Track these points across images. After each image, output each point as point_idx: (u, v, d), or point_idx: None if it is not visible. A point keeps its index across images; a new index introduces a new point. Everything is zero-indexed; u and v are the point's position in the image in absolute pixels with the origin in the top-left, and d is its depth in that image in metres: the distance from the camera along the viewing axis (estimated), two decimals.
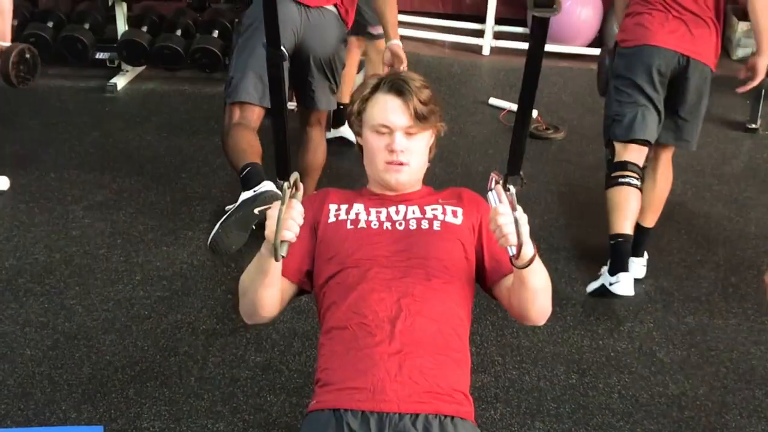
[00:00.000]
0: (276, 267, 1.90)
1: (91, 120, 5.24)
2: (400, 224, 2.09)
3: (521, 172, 1.89)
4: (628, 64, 3.57)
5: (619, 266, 3.51)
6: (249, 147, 3.41)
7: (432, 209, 2.13)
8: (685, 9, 3.47)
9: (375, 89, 2.20)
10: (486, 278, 2.10)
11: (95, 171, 4.56)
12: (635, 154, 3.58)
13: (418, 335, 1.92)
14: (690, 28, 3.49)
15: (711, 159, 5.10)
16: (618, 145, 3.59)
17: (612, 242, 3.55)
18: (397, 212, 2.12)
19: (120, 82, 5.75)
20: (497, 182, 1.86)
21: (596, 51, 4.96)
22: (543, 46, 1.75)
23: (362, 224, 2.09)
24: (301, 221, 1.83)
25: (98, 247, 3.85)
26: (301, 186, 1.85)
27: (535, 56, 1.76)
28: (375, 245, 2.04)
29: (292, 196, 1.81)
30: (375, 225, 2.08)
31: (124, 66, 5.88)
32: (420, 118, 2.14)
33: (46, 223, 4.03)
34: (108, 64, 5.91)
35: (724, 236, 4.23)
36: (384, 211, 2.12)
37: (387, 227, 2.08)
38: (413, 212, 2.11)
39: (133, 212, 4.16)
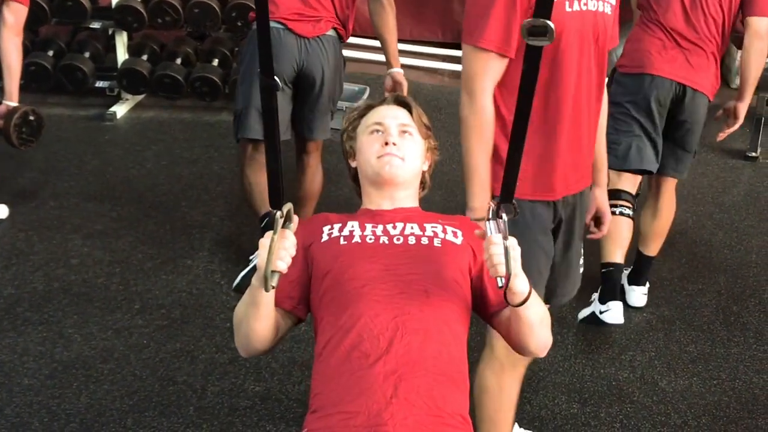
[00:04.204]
0: (268, 298, 1.83)
1: (90, 148, 5.24)
2: (398, 239, 2.02)
3: (514, 201, 1.85)
4: (625, 92, 3.54)
5: (610, 295, 3.56)
6: (264, 194, 3.48)
7: (432, 227, 2.06)
8: (685, 38, 3.47)
9: (372, 105, 2.23)
10: (487, 308, 2.02)
11: (94, 199, 4.56)
12: (628, 182, 3.61)
13: (414, 355, 1.82)
14: (688, 58, 3.48)
15: (711, 187, 5.10)
16: (612, 173, 3.52)
17: (603, 270, 3.61)
18: (395, 227, 2.05)
19: (120, 110, 5.76)
20: (494, 212, 1.81)
21: None
22: (536, 74, 1.73)
23: (356, 239, 2.01)
24: (293, 252, 1.77)
25: (97, 275, 3.84)
26: (294, 217, 1.80)
27: (529, 84, 1.74)
28: (370, 260, 1.96)
29: (284, 227, 1.77)
30: (370, 239, 2.01)
31: (124, 94, 5.89)
32: (417, 123, 2.17)
33: (44, 251, 4.02)
34: (108, 93, 5.91)
35: (725, 265, 4.22)
36: (380, 226, 2.05)
37: (383, 241, 2.01)
38: (412, 228, 2.04)
39: (132, 241, 4.15)
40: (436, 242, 2.01)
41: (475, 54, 2.20)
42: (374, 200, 2.15)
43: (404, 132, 2.14)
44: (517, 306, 1.81)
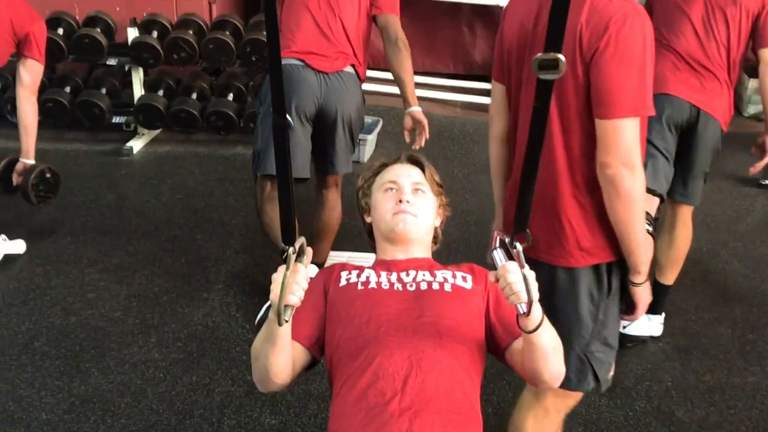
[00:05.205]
0: (284, 332, 1.88)
1: (107, 183, 5.29)
2: (411, 285, 2.09)
3: (527, 230, 1.88)
4: None
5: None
6: None
7: (442, 274, 2.13)
8: (699, 62, 3.47)
9: (387, 164, 2.32)
10: (497, 344, 2.07)
11: (111, 234, 4.59)
12: (646, 203, 3.55)
13: (429, 393, 1.87)
14: (702, 81, 3.48)
15: (725, 216, 5.10)
16: None
17: None
18: (408, 275, 2.12)
19: (136, 145, 5.81)
20: (502, 241, 1.86)
21: None
22: (548, 107, 1.75)
23: (372, 285, 2.09)
24: (305, 286, 1.81)
25: (114, 309, 3.86)
26: (308, 250, 1.84)
27: (540, 116, 1.76)
28: (385, 304, 2.03)
29: (297, 261, 1.81)
30: (385, 286, 2.08)
31: (140, 129, 5.95)
32: (430, 181, 2.25)
33: (62, 286, 4.05)
34: (124, 128, 5.98)
35: (740, 293, 4.21)
36: (394, 274, 2.13)
37: (397, 288, 2.08)
38: (423, 275, 2.12)
39: (148, 274, 4.18)
40: (447, 287, 2.08)
41: (635, 124, 2.11)
42: (389, 253, 2.23)
43: (417, 190, 2.23)
44: (531, 332, 1.83)
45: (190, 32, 5.68)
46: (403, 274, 2.12)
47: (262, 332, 1.93)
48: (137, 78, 5.87)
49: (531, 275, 1.78)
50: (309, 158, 3.76)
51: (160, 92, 5.89)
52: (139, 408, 3.21)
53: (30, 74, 4.12)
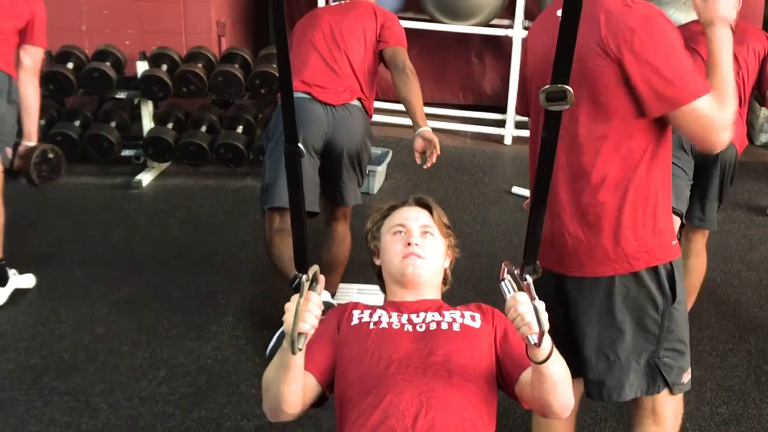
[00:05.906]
0: (297, 361, 1.88)
1: (116, 216, 5.29)
2: (420, 326, 2.11)
3: (537, 261, 1.87)
4: None
5: None
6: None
7: (450, 314, 2.15)
8: None
9: (395, 206, 2.35)
10: (506, 378, 2.07)
11: (120, 267, 4.58)
12: None
13: (439, 430, 1.88)
14: None
15: (738, 245, 5.06)
16: None
17: None
18: (418, 316, 2.14)
19: (145, 178, 5.82)
20: (509, 272, 1.86)
21: None
22: (556, 138, 1.75)
23: (384, 324, 2.11)
24: (319, 313, 1.82)
25: (123, 343, 3.84)
26: (321, 278, 1.87)
27: (549, 147, 1.76)
28: (396, 344, 2.05)
29: (311, 289, 1.82)
30: (396, 326, 2.11)
31: (150, 162, 5.96)
32: (438, 223, 2.28)
33: (71, 320, 4.03)
34: (134, 161, 5.99)
35: (755, 323, 4.17)
36: (405, 315, 2.15)
37: (408, 329, 2.10)
38: (433, 316, 2.14)
39: (158, 308, 4.16)
40: (455, 327, 2.10)
41: (707, 100, 2.17)
42: (398, 295, 2.25)
43: (426, 233, 2.25)
44: (541, 363, 1.82)
45: (200, 65, 5.71)
46: (413, 316, 2.14)
47: (275, 360, 1.95)
48: (147, 111, 5.89)
49: (541, 306, 1.78)
50: (318, 192, 3.75)
51: (170, 125, 5.90)
52: None
53: (31, 58, 4.12)
